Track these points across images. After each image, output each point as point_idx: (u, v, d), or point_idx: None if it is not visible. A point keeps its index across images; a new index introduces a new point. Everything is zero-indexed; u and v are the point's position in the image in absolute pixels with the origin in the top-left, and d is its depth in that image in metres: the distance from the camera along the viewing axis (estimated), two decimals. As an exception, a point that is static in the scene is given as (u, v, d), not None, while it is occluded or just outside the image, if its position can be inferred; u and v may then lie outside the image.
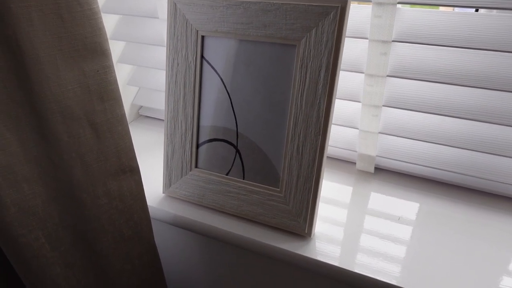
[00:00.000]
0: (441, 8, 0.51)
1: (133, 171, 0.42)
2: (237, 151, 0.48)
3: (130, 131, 0.68)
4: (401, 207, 0.50)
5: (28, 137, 0.34)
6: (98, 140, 0.38)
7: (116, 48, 0.66)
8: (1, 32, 0.30)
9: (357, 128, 0.53)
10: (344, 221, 0.48)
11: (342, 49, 0.40)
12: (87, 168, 0.38)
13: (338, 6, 0.38)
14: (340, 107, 0.54)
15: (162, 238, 0.59)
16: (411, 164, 0.55)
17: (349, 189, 0.54)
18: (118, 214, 0.43)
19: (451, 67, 0.45)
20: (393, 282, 0.40)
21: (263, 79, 0.44)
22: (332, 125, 0.55)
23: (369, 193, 0.53)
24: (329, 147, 0.58)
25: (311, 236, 0.45)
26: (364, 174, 0.56)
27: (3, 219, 0.35)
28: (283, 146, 0.45)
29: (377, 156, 0.55)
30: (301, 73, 0.41)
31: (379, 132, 0.52)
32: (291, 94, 0.42)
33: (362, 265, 0.42)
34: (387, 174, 0.56)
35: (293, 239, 0.46)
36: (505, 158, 0.49)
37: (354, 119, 0.53)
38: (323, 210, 0.50)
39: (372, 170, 0.56)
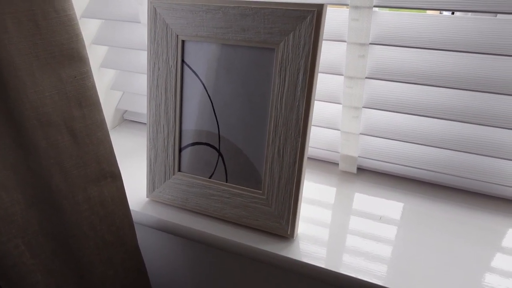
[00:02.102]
0: (429, 12, 0.52)
1: (114, 177, 0.42)
2: (220, 154, 0.48)
3: (115, 136, 0.68)
4: (385, 207, 0.51)
5: (4, 144, 0.34)
6: (77, 146, 0.38)
7: (98, 53, 0.66)
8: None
9: (339, 130, 0.54)
10: (328, 222, 0.49)
11: (320, 52, 0.40)
12: (66, 174, 0.38)
13: (315, 10, 0.39)
14: (321, 109, 0.54)
15: (146, 242, 0.59)
16: (392, 164, 0.56)
17: (333, 190, 0.55)
18: (100, 220, 0.43)
19: (428, 69, 0.46)
20: (377, 282, 0.41)
21: (243, 83, 0.44)
22: (314, 126, 0.56)
23: (352, 194, 0.53)
24: (311, 148, 0.58)
25: (294, 237, 0.46)
26: (347, 175, 0.57)
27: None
28: (264, 148, 0.45)
29: (359, 156, 0.55)
30: (280, 76, 0.42)
31: (360, 133, 0.53)
32: (271, 97, 0.43)
33: (347, 265, 0.43)
34: (369, 174, 0.57)
35: (276, 241, 0.46)
36: (482, 156, 0.50)
37: (335, 121, 0.54)
38: (307, 211, 0.50)
39: (354, 170, 0.57)
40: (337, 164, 0.58)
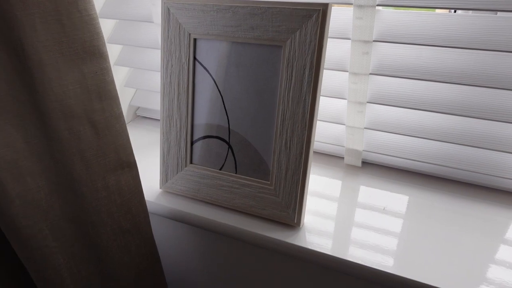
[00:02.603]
0: (437, 10, 0.54)
1: (131, 167, 0.45)
2: (230, 147, 0.50)
3: (128, 131, 0.71)
4: (390, 199, 0.52)
5: (31, 134, 0.37)
6: (97, 137, 0.41)
7: (113, 51, 0.69)
8: (7, 37, 0.33)
9: (344, 124, 0.56)
10: (334, 213, 0.51)
11: (325, 49, 0.42)
12: (87, 163, 0.41)
13: (320, 9, 0.41)
14: (327, 104, 0.56)
15: (160, 231, 0.62)
16: (397, 158, 0.57)
17: (338, 182, 0.57)
18: (117, 207, 0.46)
19: (430, 65, 0.47)
20: (383, 268, 0.43)
21: (252, 78, 0.47)
22: (320, 121, 0.58)
23: (358, 186, 0.55)
24: (318, 142, 0.61)
25: (300, 226, 0.48)
26: (352, 168, 0.59)
27: (9, 211, 0.38)
28: (272, 141, 0.47)
29: (364, 150, 0.57)
30: (287, 72, 0.44)
31: (365, 128, 0.55)
32: (279, 92, 0.45)
33: (352, 252, 0.45)
34: (374, 167, 0.59)
35: (283, 229, 0.48)
36: (484, 150, 0.51)
37: (341, 116, 0.56)
38: (313, 203, 0.52)
39: (359, 164, 0.59)
40: (343, 158, 0.60)
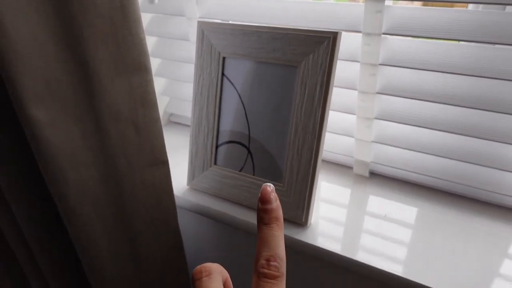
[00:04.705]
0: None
1: (164, 164, 0.53)
2: (249, 152, 0.57)
3: (165, 135, 0.80)
4: (397, 210, 0.57)
5: (88, 132, 0.46)
6: (138, 138, 0.49)
7: (153, 64, 0.78)
8: (76, 51, 0.42)
9: (353, 137, 0.62)
10: (343, 217, 0.56)
11: (334, 70, 0.49)
12: (129, 159, 0.49)
13: (331, 36, 0.47)
14: (339, 119, 0.63)
15: (184, 223, 0.69)
16: (403, 171, 0.63)
17: (348, 190, 0.62)
18: (151, 199, 0.53)
19: (434, 88, 0.53)
20: (383, 267, 0.47)
21: (271, 93, 0.54)
22: (332, 133, 0.64)
23: (366, 195, 0.60)
24: (329, 153, 0.67)
25: (308, 225, 0.54)
26: (360, 178, 0.65)
27: (66, 193, 0.47)
28: (286, 148, 0.54)
29: (371, 162, 0.63)
30: (301, 89, 0.51)
31: (372, 141, 0.60)
32: (293, 106, 0.52)
33: (360, 253, 0.49)
34: (381, 178, 0.64)
35: (292, 227, 0.54)
36: (488, 168, 0.55)
37: (351, 129, 0.62)
38: (323, 207, 0.58)
39: (367, 174, 0.64)
40: (351, 167, 0.66)
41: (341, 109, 0.60)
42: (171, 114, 0.85)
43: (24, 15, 0.38)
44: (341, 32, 0.48)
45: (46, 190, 0.52)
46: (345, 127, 0.62)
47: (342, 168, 0.67)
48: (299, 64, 0.51)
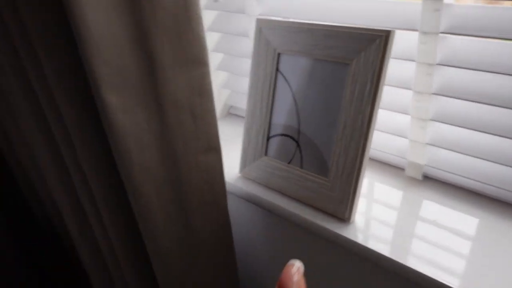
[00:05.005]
0: None
1: (217, 151, 0.57)
2: (298, 145, 0.59)
3: (220, 125, 0.85)
4: (456, 219, 0.54)
5: (152, 117, 0.51)
6: (195, 125, 0.53)
7: (216, 58, 0.83)
8: (144, 44, 0.47)
9: (407, 138, 0.60)
10: (391, 217, 0.55)
11: (386, 68, 0.49)
12: (186, 144, 0.54)
13: (383, 35, 0.48)
14: (393, 119, 0.62)
15: (233, 208, 0.74)
16: (460, 177, 0.60)
17: (399, 192, 0.61)
18: (203, 182, 0.58)
19: (496, 91, 0.50)
20: (436, 277, 0.45)
21: (322, 89, 0.55)
22: (385, 133, 0.64)
23: (418, 198, 0.59)
24: (381, 153, 0.66)
25: (350, 221, 0.55)
26: (412, 180, 0.63)
27: (131, 173, 0.53)
28: (333, 144, 0.55)
29: (425, 165, 0.61)
30: (351, 86, 0.51)
31: (427, 143, 0.59)
32: (343, 102, 0.53)
33: (406, 254, 0.49)
34: (435, 183, 0.62)
35: (335, 222, 0.55)
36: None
37: (404, 130, 0.61)
38: (371, 206, 0.58)
39: (419, 177, 0.62)
40: (404, 169, 0.65)
41: (395, 108, 0.59)
42: (231, 107, 0.90)
43: (105, 12, 0.44)
44: (394, 31, 0.48)
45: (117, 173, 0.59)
46: (398, 128, 0.61)
47: (394, 169, 0.66)
48: (351, 62, 0.51)
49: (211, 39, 0.80)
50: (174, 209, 0.58)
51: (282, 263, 0.71)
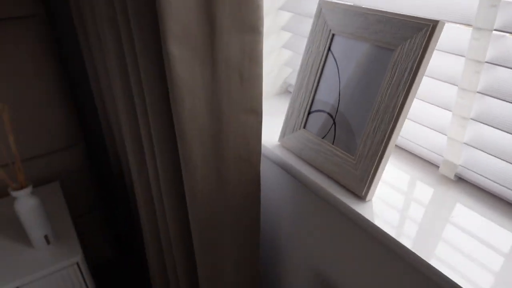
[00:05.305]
0: None
1: (258, 114, 0.63)
2: (334, 123, 0.63)
3: (275, 100, 0.90)
4: (491, 230, 0.52)
5: (205, 71, 0.59)
6: (241, 85, 0.60)
7: (283, 37, 0.88)
8: (209, 9, 0.54)
9: (446, 135, 0.60)
10: (417, 212, 0.56)
11: (428, 59, 0.50)
12: (231, 101, 0.61)
13: (430, 24, 0.49)
14: (434, 113, 0.62)
15: (267, 172, 0.79)
16: (495, 184, 0.58)
17: (429, 189, 0.61)
18: (240, 138, 0.64)
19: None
20: (457, 280, 0.44)
21: (365, 72, 0.58)
22: (424, 127, 0.64)
23: (449, 199, 0.58)
24: (418, 146, 0.66)
25: (366, 199, 0.57)
26: (445, 179, 0.63)
27: (181, 119, 0.61)
28: (365, 125, 0.57)
29: (460, 165, 0.60)
30: (391, 71, 0.53)
31: (464, 143, 0.58)
32: (381, 87, 0.55)
33: (431, 254, 0.49)
34: (468, 185, 0.61)
35: (352, 197, 0.58)
36: None
37: (444, 126, 0.61)
38: (396, 196, 0.59)
39: (452, 177, 0.62)
40: (438, 167, 0.64)
41: (438, 103, 0.59)
42: (290, 85, 0.95)
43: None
44: (443, 22, 0.48)
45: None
46: (439, 123, 0.61)
47: (427, 164, 0.66)
48: (395, 48, 0.53)
49: (282, 17, 0.86)
50: (212, 158, 0.66)
51: (301, 228, 0.76)
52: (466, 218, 0.54)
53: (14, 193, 0.94)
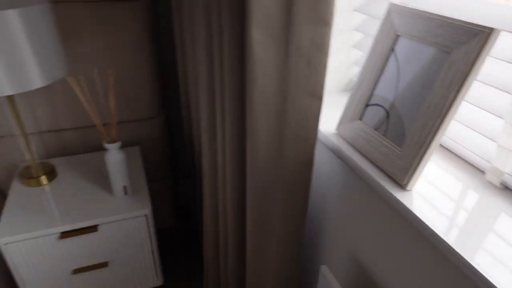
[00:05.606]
0: None
1: (319, 99, 0.71)
2: (388, 117, 0.68)
3: (342, 96, 0.97)
4: None
5: (279, 54, 0.68)
6: (308, 72, 0.68)
7: (356, 38, 0.94)
8: (287, 2, 0.64)
9: (496, 142, 0.63)
10: (459, 213, 0.61)
11: (480, 64, 0.54)
12: (298, 85, 0.70)
13: (486, 31, 0.53)
14: (486, 119, 0.64)
15: (320, 156, 0.86)
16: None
17: (474, 195, 0.64)
18: (301, 119, 0.73)
19: None
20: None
21: (423, 72, 0.63)
22: (475, 132, 0.67)
23: (494, 207, 0.60)
24: (466, 151, 0.69)
25: (407, 188, 0.62)
26: (490, 186, 0.65)
27: (253, 91, 0.71)
28: (415, 121, 0.63)
29: (507, 173, 0.63)
30: (445, 73, 0.58)
31: (513, 151, 0.60)
32: (434, 86, 0.60)
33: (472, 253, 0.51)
34: (513, 194, 0.63)
35: (395, 186, 0.64)
36: None
37: (496, 133, 0.63)
38: (439, 196, 0.63)
39: (498, 184, 0.64)
40: (484, 173, 0.67)
41: (491, 110, 0.62)
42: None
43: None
44: (498, 30, 0.52)
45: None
46: (490, 130, 0.64)
47: (474, 170, 0.68)
48: (452, 51, 0.58)
49: (356, 18, 0.92)
50: (274, 133, 0.75)
51: (344, 211, 0.82)
52: (509, 228, 0.55)
53: (107, 146, 1.13)
